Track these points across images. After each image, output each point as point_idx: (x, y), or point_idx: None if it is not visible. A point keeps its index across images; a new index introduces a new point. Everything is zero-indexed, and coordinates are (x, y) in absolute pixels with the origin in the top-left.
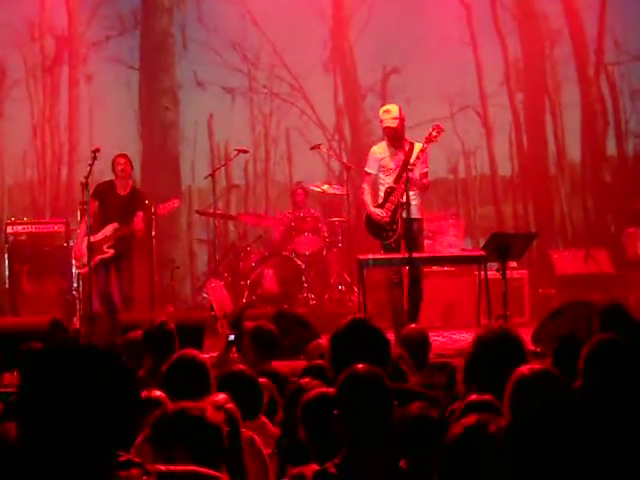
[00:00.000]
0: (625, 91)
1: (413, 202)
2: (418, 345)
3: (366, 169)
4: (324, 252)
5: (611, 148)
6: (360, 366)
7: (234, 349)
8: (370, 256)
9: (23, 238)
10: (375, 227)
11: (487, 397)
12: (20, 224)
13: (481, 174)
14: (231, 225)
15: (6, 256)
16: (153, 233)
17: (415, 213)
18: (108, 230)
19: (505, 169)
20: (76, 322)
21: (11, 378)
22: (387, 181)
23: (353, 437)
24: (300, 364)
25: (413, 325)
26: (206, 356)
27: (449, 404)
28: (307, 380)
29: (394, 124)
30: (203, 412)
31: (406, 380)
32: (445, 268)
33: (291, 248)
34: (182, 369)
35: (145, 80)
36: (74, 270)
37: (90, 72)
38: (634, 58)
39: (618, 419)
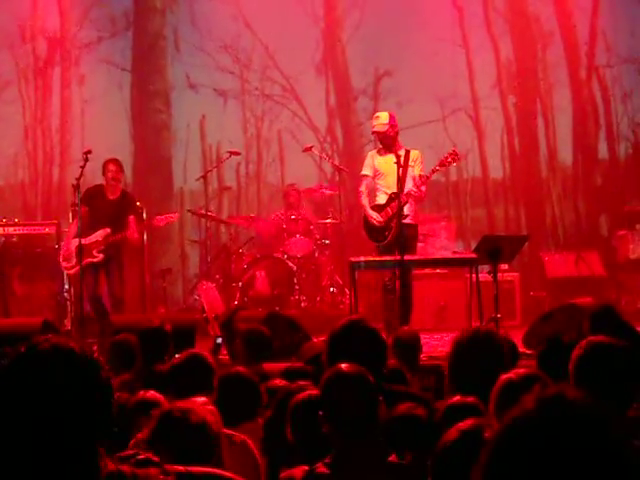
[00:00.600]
0: (616, 94)
1: (408, 208)
2: (410, 347)
3: (363, 172)
4: (316, 254)
5: (602, 151)
6: (343, 365)
7: (223, 351)
8: (362, 258)
9: (14, 239)
10: (370, 229)
11: (471, 399)
12: (11, 225)
13: (473, 177)
14: (223, 227)
15: None
16: (145, 236)
17: (409, 219)
18: (99, 235)
19: (497, 172)
20: (67, 324)
21: None
22: (381, 184)
23: (340, 436)
24: (294, 366)
25: (405, 327)
26: None
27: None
28: (300, 383)
29: (383, 129)
30: (191, 412)
31: (405, 382)
32: (437, 270)
33: (283, 250)
34: (192, 368)
35: (137, 82)
36: (64, 272)
37: (82, 74)
38: (625, 61)
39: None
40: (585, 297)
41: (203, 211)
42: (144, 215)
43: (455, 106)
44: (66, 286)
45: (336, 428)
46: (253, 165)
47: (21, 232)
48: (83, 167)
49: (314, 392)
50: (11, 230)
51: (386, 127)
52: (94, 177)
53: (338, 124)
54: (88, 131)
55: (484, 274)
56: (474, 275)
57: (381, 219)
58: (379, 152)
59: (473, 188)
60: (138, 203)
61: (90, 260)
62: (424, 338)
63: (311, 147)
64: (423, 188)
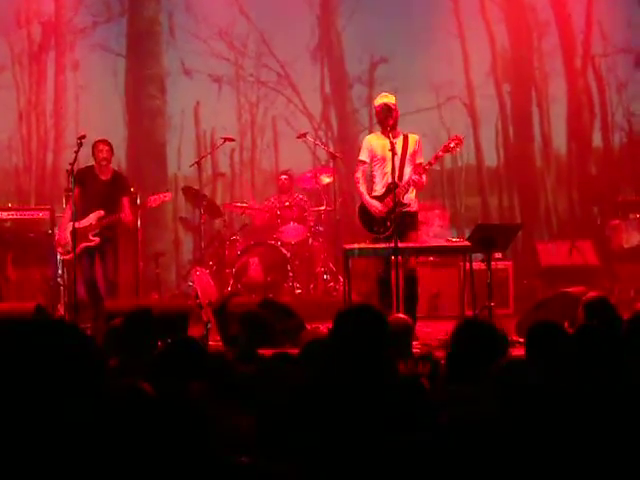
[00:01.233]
0: (612, 83)
1: (410, 194)
2: (402, 334)
3: (360, 157)
4: (310, 241)
5: (597, 140)
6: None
7: (215, 337)
8: (356, 246)
9: (8, 224)
10: (368, 219)
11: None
12: (5, 210)
13: (467, 165)
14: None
15: None
16: (139, 221)
17: (411, 207)
18: (93, 218)
19: (491, 160)
20: (60, 309)
21: None
22: (376, 169)
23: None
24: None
25: (398, 314)
26: None
27: (433, 393)
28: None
29: (392, 101)
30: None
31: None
32: (430, 258)
33: (277, 237)
34: (183, 353)
35: (132, 67)
36: (59, 257)
37: (77, 59)
38: (621, 50)
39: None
40: (578, 286)
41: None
42: (138, 200)
43: (450, 94)
44: (59, 271)
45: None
46: (247, 151)
47: (15, 217)
48: (77, 152)
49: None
50: (5, 215)
51: (394, 104)
52: (88, 162)
53: (333, 111)
54: (82, 116)
55: (478, 262)
56: (467, 263)
57: (381, 209)
58: (376, 136)
59: (467, 176)
60: (132, 189)
61: (86, 244)
62: (417, 326)
63: (305, 134)
64: (424, 177)
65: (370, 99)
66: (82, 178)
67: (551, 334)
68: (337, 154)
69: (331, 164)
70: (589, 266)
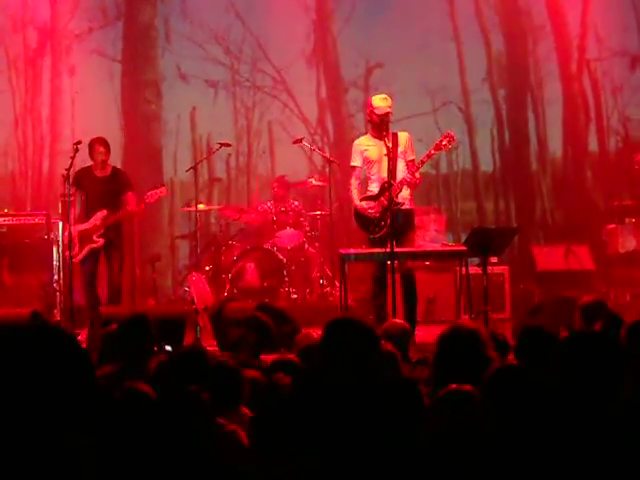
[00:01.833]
0: (607, 87)
1: (403, 193)
2: (399, 338)
3: (352, 163)
4: (306, 246)
5: (593, 144)
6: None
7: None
8: (352, 250)
9: (4, 230)
10: (363, 221)
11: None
12: (1, 216)
13: (463, 169)
14: (212, 218)
15: None
16: (135, 225)
17: (406, 205)
18: (97, 219)
19: (487, 165)
20: (57, 314)
21: None
22: (373, 172)
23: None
24: (282, 358)
25: (395, 319)
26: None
27: (431, 397)
28: (280, 375)
29: (390, 104)
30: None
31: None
32: (426, 263)
33: (273, 242)
34: (188, 362)
35: (128, 72)
36: (55, 262)
37: (72, 64)
38: (616, 54)
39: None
40: (575, 290)
41: (193, 203)
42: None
43: (446, 99)
44: (55, 276)
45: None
46: (243, 157)
47: (11, 222)
48: (73, 158)
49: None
50: (0, 220)
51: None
52: (84, 166)
53: (329, 116)
54: (78, 121)
55: (474, 267)
56: (464, 268)
57: (374, 209)
58: (368, 139)
59: (463, 181)
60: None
61: (91, 246)
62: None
63: (301, 139)
64: (417, 174)
65: (366, 104)
66: (79, 180)
67: (542, 340)
68: (333, 159)
69: (327, 169)
70: (585, 271)
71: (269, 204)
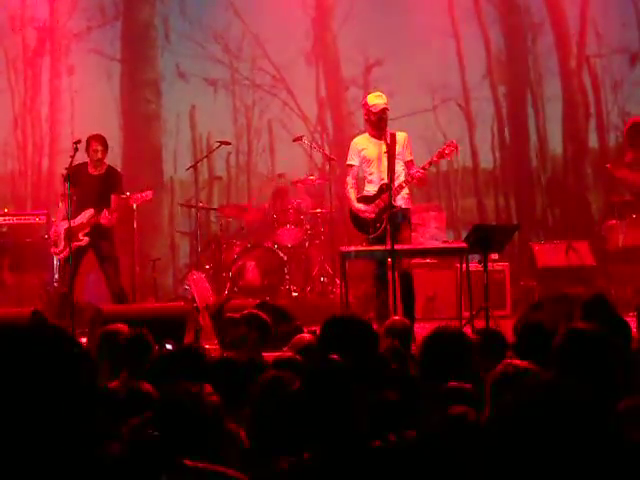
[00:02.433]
0: (607, 83)
1: (403, 191)
2: (401, 336)
3: (348, 162)
4: (306, 244)
5: (593, 140)
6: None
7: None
8: (352, 248)
9: (4, 230)
10: (359, 222)
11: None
12: (1, 215)
13: (463, 166)
14: (213, 217)
15: None
16: (135, 225)
17: (402, 203)
18: (85, 217)
19: (487, 161)
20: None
21: None
22: (370, 172)
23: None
24: (284, 356)
25: (396, 317)
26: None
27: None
28: (283, 374)
29: (386, 101)
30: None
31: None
32: (427, 260)
33: (273, 240)
34: (186, 360)
35: (127, 72)
36: (55, 261)
37: (71, 63)
38: (615, 50)
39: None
40: (576, 287)
41: (193, 201)
42: (134, 205)
43: (445, 96)
44: (56, 276)
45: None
46: (243, 155)
47: (11, 222)
48: (73, 157)
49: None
50: (1, 220)
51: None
52: None
53: (328, 114)
54: (78, 121)
55: (474, 264)
56: (464, 265)
57: (371, 211)
58: (366, 139)
59: (463, 178)
60: (127, 193)
61: (77, 244)
62: (415, 327)
63: (301, 137)
64: (418, 173)
65: (362, 104)
66: (74, 176)
67: (542, 337)
68: (333, 157)
69: (327, 167)
70: (586, 267)
71: (269, 203)
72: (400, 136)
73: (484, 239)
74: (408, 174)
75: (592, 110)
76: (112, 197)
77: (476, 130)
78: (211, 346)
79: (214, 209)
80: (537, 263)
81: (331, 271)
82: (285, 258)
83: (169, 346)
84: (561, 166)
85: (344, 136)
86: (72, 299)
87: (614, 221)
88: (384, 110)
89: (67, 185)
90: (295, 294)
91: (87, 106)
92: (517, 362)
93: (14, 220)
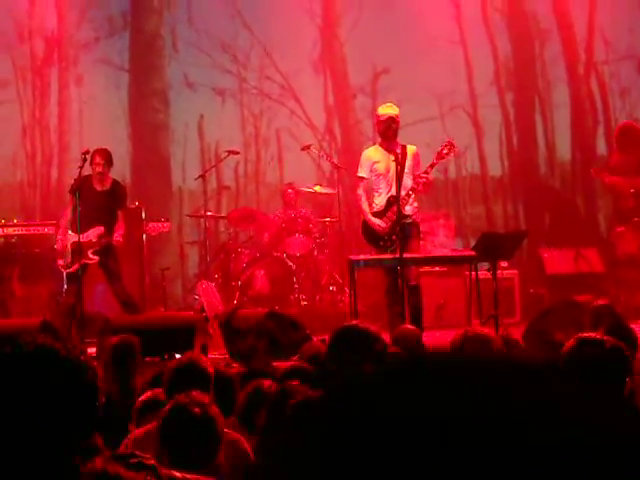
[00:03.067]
0: (615, 90)
1: (412, 205)
2: (411, 344)
3: (359, 174)
4: (315, 253)
5: (601, 147)
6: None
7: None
8: (361, 257)
9: (13, 240)
10: (372, 235)
11: None
12: (10, 226)
13: (471, 174)
14: (222, 226)
15: None
16: (144, 235)
17: (412, 218)
18: (93, 234)
19: (495, 169)
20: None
21: None
22: (380, 184)
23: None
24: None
25: (405, 325)
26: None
27: None
28: (293, 384)
29: (396, 112)
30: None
31: None
32: (436, 268)
33: (282, 249)
34: (188, 373)
35: (135, 81)
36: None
37: (80, 74)
38: (623, 57)
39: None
40: (585, 294)
41: (202, 211)
42: (143, 214)
43: (453, 103)
44: (65, 286)
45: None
46: (252, 164)
47: (20, 232)
48: (82, 167)
49: (311, 394)
50: (10, 231)
51: (397, 116)
52: None
53: (336, 122)
54: (86, 131)
55: (483, 271)
56: (473, 273)
57: (384, 225)
58: (377, 151)
59: (472, 185)
60: (137, 203)
61: (85, 262)
62: (423, 336)
63: (309, 146)
64: (422, 179)
65: (374, 110)
66: (78, 188)
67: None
68: (341, 165)
69: (335, 175)
70: (595, 273)
71: (278, 213)
72: (410, 150)
73: (493, 247)
74: (414, 182)
75: (600, 117)
76: (118, 213)
77: (484, 137)
78: (220, 355)
79: (223, 217)
80: (546, 270)
81: (340, 280)
82: (294, 267)
83: (178, 356)
84: (569, 173)
85: (352, 144)
86: (81, 309)
87: (623, 227)
88: (391, 119)
89: (75, 197)
90: (304, 303)
91: (95, 116)
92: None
93: (23, 230)
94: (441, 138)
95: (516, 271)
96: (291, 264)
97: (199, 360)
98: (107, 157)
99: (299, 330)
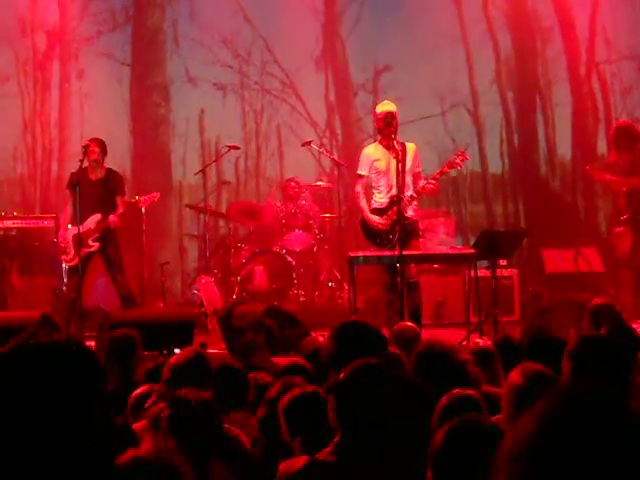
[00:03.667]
0: (616, 89)
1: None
2: (410, 341)
3: (359, 172)
4: (314, 249)
5: (602, 146)
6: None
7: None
8: (360, 253)
9: (13, 233)
10: (371, 233)
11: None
12: (10, 219)
13: (472, 172)
14: (221, 221)
15: None
16: (143, 228)
17: (412, 214)
18: (92, 222)
19: (496, 167)
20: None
21: None
22: (380, 183)
23: (352, 425)
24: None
25: (404, 322)
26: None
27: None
28: (292, 378)
29: (394, 109)
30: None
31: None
32: (435, 266)
33: (281, 244)
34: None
35: (136, 76)
36: (64, 265)
37: (81, 67)
38: (625, 57)
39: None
40: (584, 293)
41: (202, 205)
42: (143, 210)
43: (454, 101)
44: (65, 279)
45: (349, 418)
46: (252, 159)
47: (20, 226)
48: (82, 161)
49: (308, 389)
50: (10, 224)
51: (396, 113)
52: None
53: (337, 119)
54: (87, 125)
55: (483, 270)
56: (472, 271)
57: (384, 223)
58: (377, 150)
59: (472, 183)
60: (136, 197)
61: (87, 250)
62: (422, 333)
63: (310, 142)
64: (425, 184)
65: (374, 107)
66: (75, 181)
67: (550, 344)
68: (341, 162)
69: (335, 172)
70: (594, 273)
71: (279, 204)
72: (409, 147)
73: (492, 245)
74: (419, 186)
75: (601, 116)
76: (117, 200)
77: (485, 135)
78: (219, 350)
79: (222, 216)
80: (546, 269)
81: (339, 276)
82: (293, 263)
83: (178, 351)
84: (570, 172)
85: (353, 141)
86: (80, 303)
87: (622, 227)
88: (390, 114)
89: (76, 190)
90: (303, 299)
91: (97, 110)
92: (535, 366)
93: (23, 224)
94: (442, 135)
95: (515, 269)
96: (290, 260)
97: (203, 355)
98: (102, 145)
99: (298, 326)
